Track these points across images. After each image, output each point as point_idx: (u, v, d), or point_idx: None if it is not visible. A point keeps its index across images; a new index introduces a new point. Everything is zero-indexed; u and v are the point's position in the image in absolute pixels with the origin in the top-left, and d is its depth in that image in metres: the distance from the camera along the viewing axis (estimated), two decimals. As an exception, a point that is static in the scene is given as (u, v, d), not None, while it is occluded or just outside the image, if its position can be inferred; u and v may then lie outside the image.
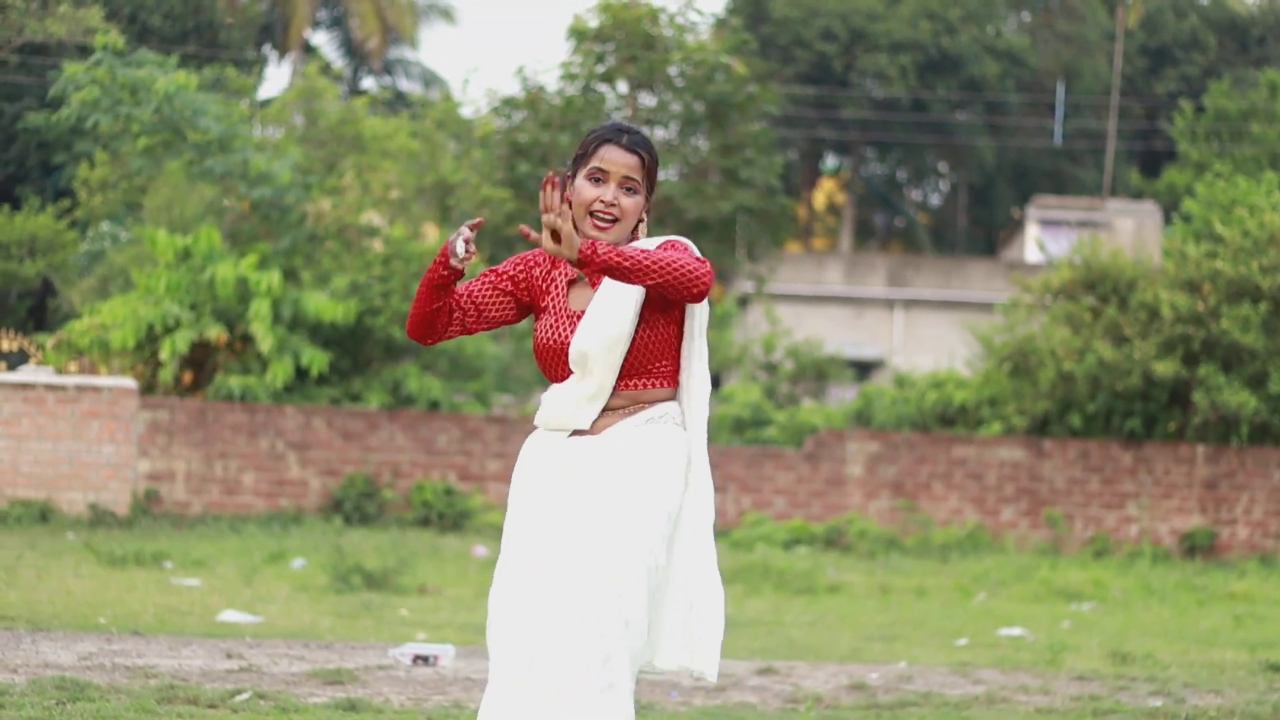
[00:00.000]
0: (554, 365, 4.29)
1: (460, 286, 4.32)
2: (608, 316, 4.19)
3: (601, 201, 4.26)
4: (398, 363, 20.14)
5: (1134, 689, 8.49)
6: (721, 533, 16.83)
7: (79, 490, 17.46)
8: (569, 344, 4.23)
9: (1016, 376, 19.58)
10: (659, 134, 22.20)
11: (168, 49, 28.30)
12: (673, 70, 22.01)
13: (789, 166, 39.15)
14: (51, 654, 7.98)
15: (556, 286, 4.35)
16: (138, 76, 21.21)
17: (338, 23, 42.77)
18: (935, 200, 51.63)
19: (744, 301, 30.93)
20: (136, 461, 17.78)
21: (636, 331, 4.21)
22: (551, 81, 22.39)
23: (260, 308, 18.72)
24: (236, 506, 18.03)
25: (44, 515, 17.01)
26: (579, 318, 4.26)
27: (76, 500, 17.42)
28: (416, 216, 22.44)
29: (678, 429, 4.25)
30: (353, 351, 19.88)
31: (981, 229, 47.90)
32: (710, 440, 4.47)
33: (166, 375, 18.72)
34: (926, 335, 32.56)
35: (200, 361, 19.40)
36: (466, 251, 4.17)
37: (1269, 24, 46.42)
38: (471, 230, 4.18)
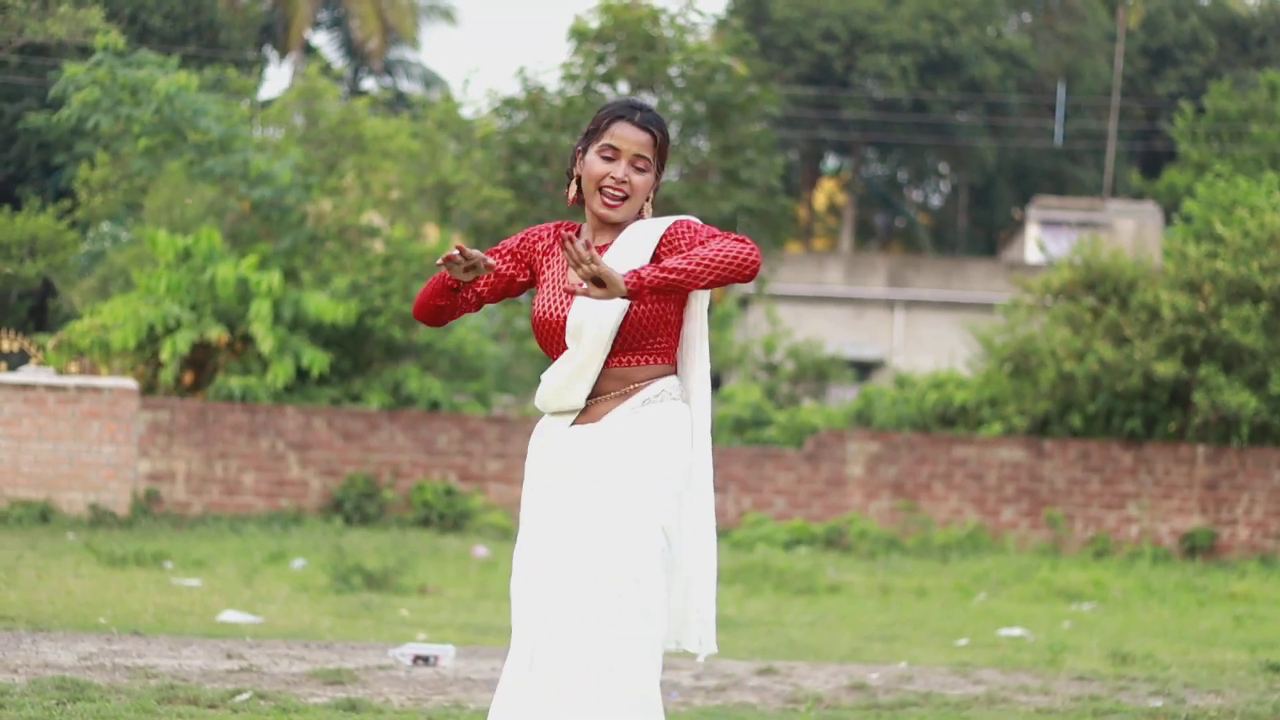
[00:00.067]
0: (550, 338, 4.25)
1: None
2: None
3: (612, 178, 4.23)
4: (398, 363, 20.14)
5: (1134, 689, 8.49)
6: (722, 533, 16.82)
7: (79, 490, 17.46)
8: (566, 317, 4.20)
9: (1017, 377, 19.58)
10: (659, 134, 22.18)
11: (168, 49, 28.30)
12: (673, 71, 22.01)
13: (789, 167, 39.15)
14: (52, 654, 7.98)
15: (556, 260, 4.33)
16: (138, 77, 21.21)
17: (338, 23, 42.77)
18: (936, 201, 51.64)
19: (744, 302, 30.94)
20: (137, 462, 17.78)
21: (633, 306, 4.17)
22: (552, 82, 22.40)
23: (261, 308, 18.72)
24: (237, 507, 18.03)
25: (44, 515, 17.01)
26: (576, 290, 4.25)
27: (77, 500, 17.43)
28: (417, 217, 22.43)
29: (676, 403, 4.20)
30: (353, 352, 19.88)
31: (982, 229, 47.90)
32: (711, 440, 4.44)
33: (167, 376, 18.72)
34: (927, 335, 32.56)
35: (201, 362, 19.40)
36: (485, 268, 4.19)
37: (1269, 25, 46.42)
38: (453, 260, 4.16)
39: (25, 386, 17.51)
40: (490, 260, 4.21)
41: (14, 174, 30.35)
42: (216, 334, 18.84)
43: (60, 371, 18.88)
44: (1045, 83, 45.56)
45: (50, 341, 20.19)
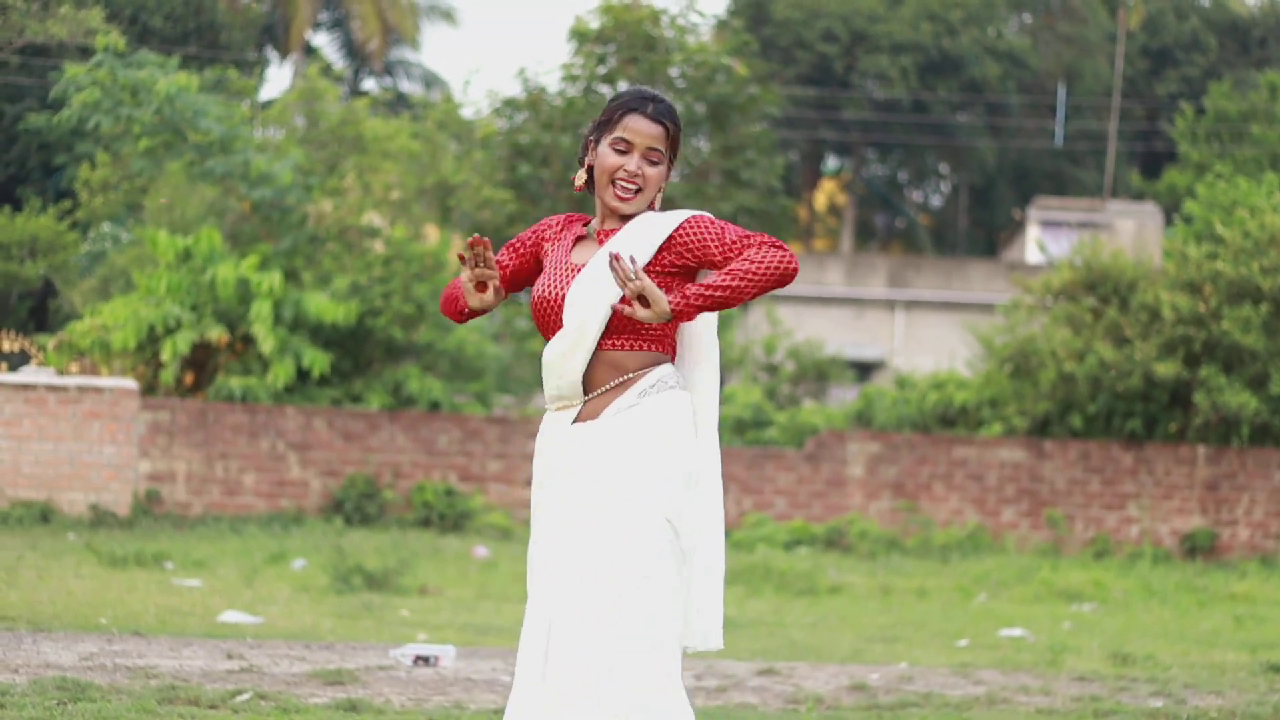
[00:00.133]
0: (548, 318, 4.23)
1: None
2: (608, 271, 4.15)
3: (625, 171, 4.22)
4: (399, 364, 20.14)
5: (1135, 690, 8.49)
6: (722, 534, 16.79)
7: (80, 491, 17.46)
8: (564, 296, 4.19)
9: (1017, 377, 19.58)
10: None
11: (169, 50, 28.31)
12: (674, 71, 22.03)
13: (790, 167, 39.16)
14: (52, 654, 7.98)
15: (561, 245, 4.32)
16: (139, 78, 21.21)
17: (339, 24, 42.76)
18: (936, 201, 51.64)
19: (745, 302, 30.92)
20: (137, 462, 17.78)
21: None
22: (553, 83, 22.43)
23: (261, 309, 18.73)
24: (237, 507, 18.03)
25: (45, 516, 17.02)
26: (578, 270, 4.23)
27: (77, 501, 17.43)
28: (417, 217, 22.43)
29: (674, 391, 4.18)
30: (354, 352, 19.89)
31: (982, 230, 47.91)
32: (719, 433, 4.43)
33: (167, 376, 18.72)
34: (927, 336, 32.56)
35: (201, 362, 19.41)
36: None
37: (1270, 25, 46.43)
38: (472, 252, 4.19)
39: (26, 387, 17.52)
40: (495, 277, 4.22)
41: (15, 174, 30.35)
42: (217, 334, 18.85)
43: (61, 372, 18.88)
44: (1046, 83, 45.56)
45: (51, 342, 20.19)
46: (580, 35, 22.05)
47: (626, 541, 4.07)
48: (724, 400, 22.27)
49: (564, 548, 4.15)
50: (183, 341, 18.52)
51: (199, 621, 9.93)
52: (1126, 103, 43.40)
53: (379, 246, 20.88)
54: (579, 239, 4.33)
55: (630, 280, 3.99)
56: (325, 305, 18.92)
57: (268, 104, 27.38)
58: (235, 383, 18.70)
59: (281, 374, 18.67)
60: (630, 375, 4.17)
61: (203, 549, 14.80)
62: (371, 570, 12.45)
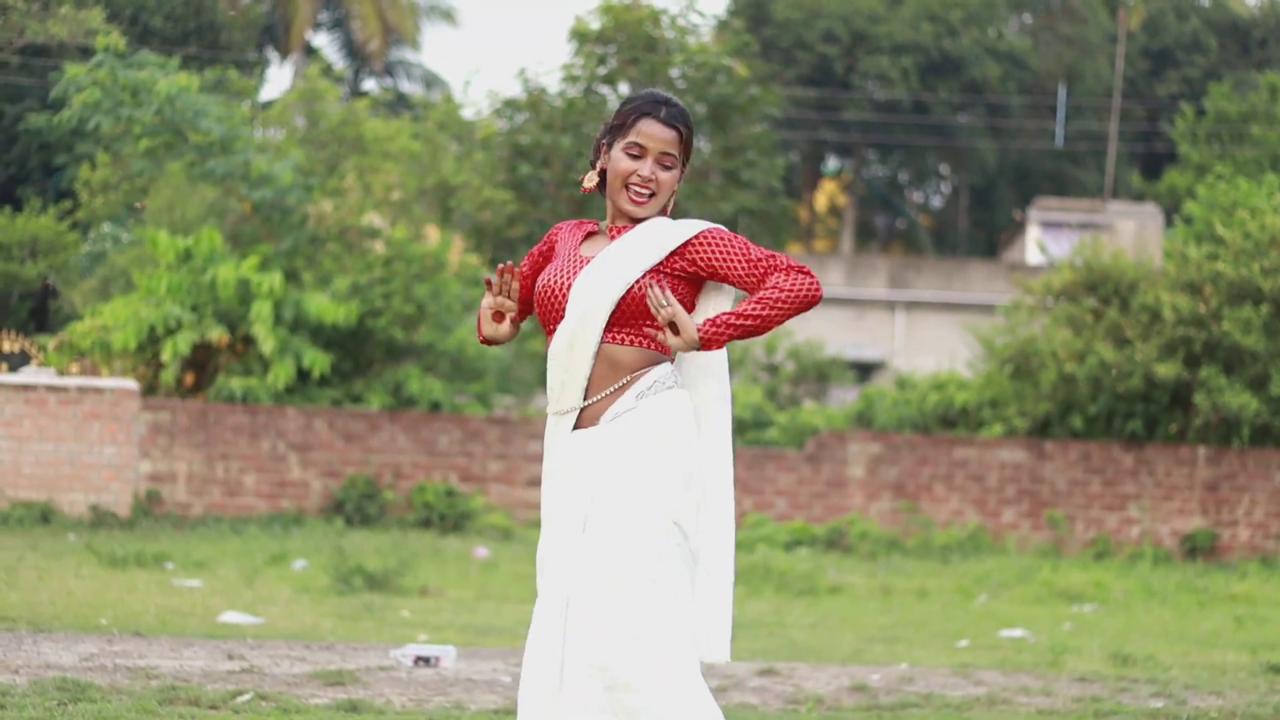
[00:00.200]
0: (551, 309, 4.23)
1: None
2: (617, 264, 4.15)
3: (639, 176, 4.22)
4: (399, 364, 20.14)
5: (1135, 690, 8.49)
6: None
7: (80, 491, 17.46)
8: (569, 286, 4.19)
9: (1018, 378, 19.58)
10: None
11: (169, 50, 28.31)
12: (674, 72, 22.03)
13: (790, 168, 39.17)
14: (53, 655, 7.98)
15: (571, 244, 4.33)
16: (139, 78, 21.21)
17: (339, 24, 42.77)
18: (936, 202, 51.64)
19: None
20: (138, 463, 17.78)
21: (636, 282, 4.15)
22: (553, 83, 22.44)
23: (262, 309, 18.72)
24: (238, 508, 18.03)
25: (45, 516, 17.02)
26: (586, 262, 4.22)
27: (78, 501, 17.43)
28: (418, 218, 22.44)
29: (672, 391, 4.17)
30: (354, 353, 19.88)
31: (983, 231, 47.91)
32: (730, 437, 4.44)
33: (168, 376, 18.72)
34: (928, 337, 32.56)
35: (202, 363, 19.41)
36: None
37: (1270, 26, 46.43)
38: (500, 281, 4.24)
39: (26, 387, 17.52)
40: (513, 309, 4.26)
41: (15, 175, 30.35)
42: (217, 335, 18.84)
43: (61, 372, 18.89)
44: (1046, 84, 45.57)
45: (51, 342, 20.19)
46: (581, 36, 22.06)
47: (628, 544, 4.06)
48: (724, 401, 22.23)
49: (565, 550, 4.15)
50: (183, 342, 18.52)
51: (199, 622, 9.93)
52: (1127, 103, 43.40)
53: (379, 247, 20.88)
54: (590, 234, 4.34)
55: (663, 307, 4.03)
56: (326, 306, 18.92)
57: (268, 104, 27.37)
58: (236, 383, 18.70)
59: (282, 374, 18.66)
60: (628, 378, 4.16)
61: (203, 550, 14.80)
62: (372, 571, 12.45)
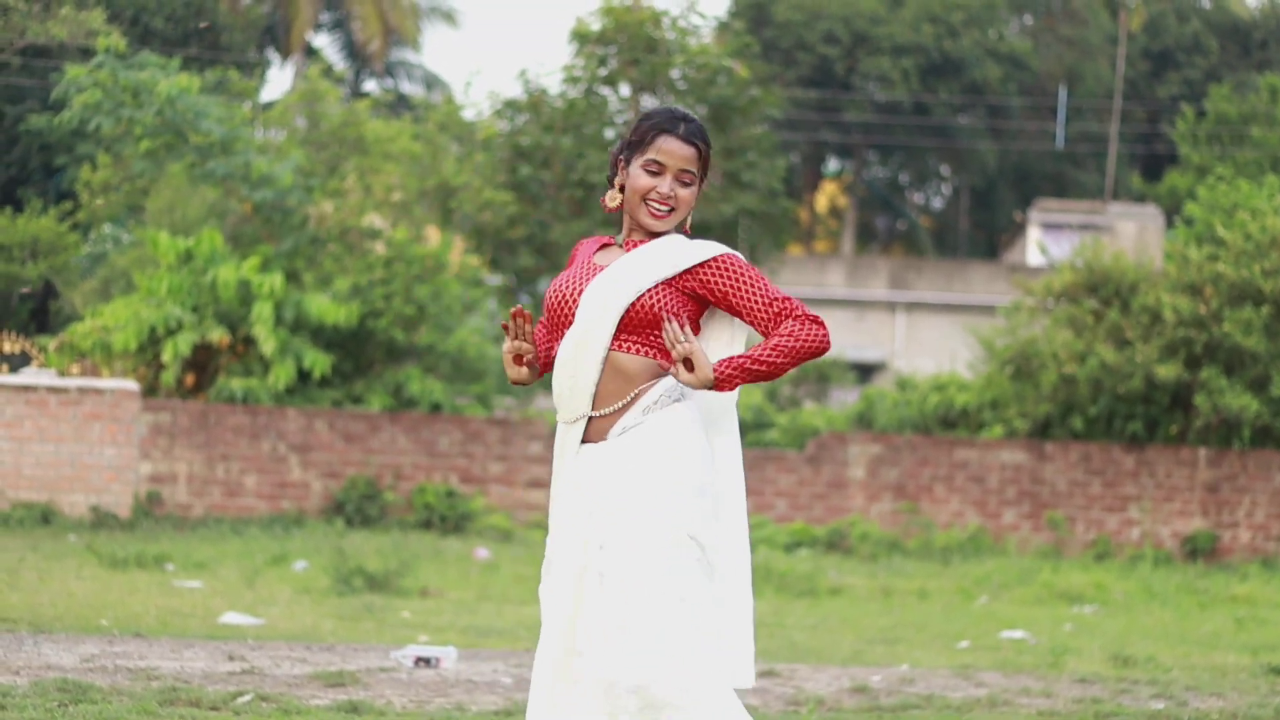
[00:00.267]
0: (559, 314, 4.26)
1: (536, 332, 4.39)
2: (630, 273, 4.17)
3: (658, 193, 4.24)
4: (399, 365, 20.14)
5: (1136, 692, 8.49)
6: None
7: (81, 492, 17.47)
8: (580, 292, 4.21)
9: (1018, 379, 19.58)
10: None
11: (170, 51, 28.30)
12: (675, 73, 22.02)
13: (791, 169, 39.17)
14: (53, 656, 7.98)
15: (589, 250, 4.36)
16: (140, 79, 21.21)
17: (340, 25, 42.77)
18: (937, 203, 51.65)
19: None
20: (138, 464, 17.78)
21: (646, 293, 4.18)
22: (554, 84, 22.42)
23: (262, 310, 18.73)
24: (238, 509, 18.03)
25: (46, 517, 17.01)
26: (599, 270, 4.24)
27: (78, 502, 17.43)
28: (419, 219, 22.44)
29: (679, 404, 4.19)
30: (355, 354, 19.88)
31: (983, 232, 47.91)
32: (740, 451, 4.47)
33: (168, 377, 18.72)
34: (928, 338, 32.57)
35: (202, 364, 19.41)
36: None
37: (1270, 28, 46.43)
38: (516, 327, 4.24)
39: (27, 388, 17.52)
40: (530, 352, 4.28)
41: (15, 176, 30.35)
42: (218, 336, 18.84)
43: (62, 373, 18.89)
44: (1047, 85, 45.56)
45: (52, 343, 20.19)
46: (581, 37, 22.04)
47: (637, 557, 4.05)
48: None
49: (568, 562, 4.16)
50: (184, 343, 18.52)
51: (200, 623, 9.93)
52: (1127, 105, 43.41)
53: (380, 248, 20.88)
54: (605, 246, 4.37)
55: (679, 343, 4.05)
56: (326, 307, 18.92)
57: (269, 105, 27.38)
58: (236, 384, 18.70)
59: (282, 375, 18.67)
60: (635, 391, 4.17)
61: (204, 550, 14.80)
62: (373, 572, 12.45)
